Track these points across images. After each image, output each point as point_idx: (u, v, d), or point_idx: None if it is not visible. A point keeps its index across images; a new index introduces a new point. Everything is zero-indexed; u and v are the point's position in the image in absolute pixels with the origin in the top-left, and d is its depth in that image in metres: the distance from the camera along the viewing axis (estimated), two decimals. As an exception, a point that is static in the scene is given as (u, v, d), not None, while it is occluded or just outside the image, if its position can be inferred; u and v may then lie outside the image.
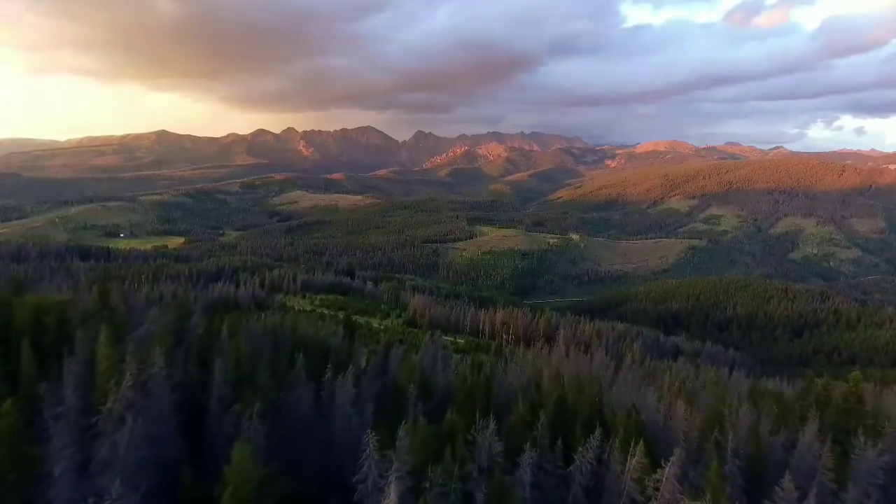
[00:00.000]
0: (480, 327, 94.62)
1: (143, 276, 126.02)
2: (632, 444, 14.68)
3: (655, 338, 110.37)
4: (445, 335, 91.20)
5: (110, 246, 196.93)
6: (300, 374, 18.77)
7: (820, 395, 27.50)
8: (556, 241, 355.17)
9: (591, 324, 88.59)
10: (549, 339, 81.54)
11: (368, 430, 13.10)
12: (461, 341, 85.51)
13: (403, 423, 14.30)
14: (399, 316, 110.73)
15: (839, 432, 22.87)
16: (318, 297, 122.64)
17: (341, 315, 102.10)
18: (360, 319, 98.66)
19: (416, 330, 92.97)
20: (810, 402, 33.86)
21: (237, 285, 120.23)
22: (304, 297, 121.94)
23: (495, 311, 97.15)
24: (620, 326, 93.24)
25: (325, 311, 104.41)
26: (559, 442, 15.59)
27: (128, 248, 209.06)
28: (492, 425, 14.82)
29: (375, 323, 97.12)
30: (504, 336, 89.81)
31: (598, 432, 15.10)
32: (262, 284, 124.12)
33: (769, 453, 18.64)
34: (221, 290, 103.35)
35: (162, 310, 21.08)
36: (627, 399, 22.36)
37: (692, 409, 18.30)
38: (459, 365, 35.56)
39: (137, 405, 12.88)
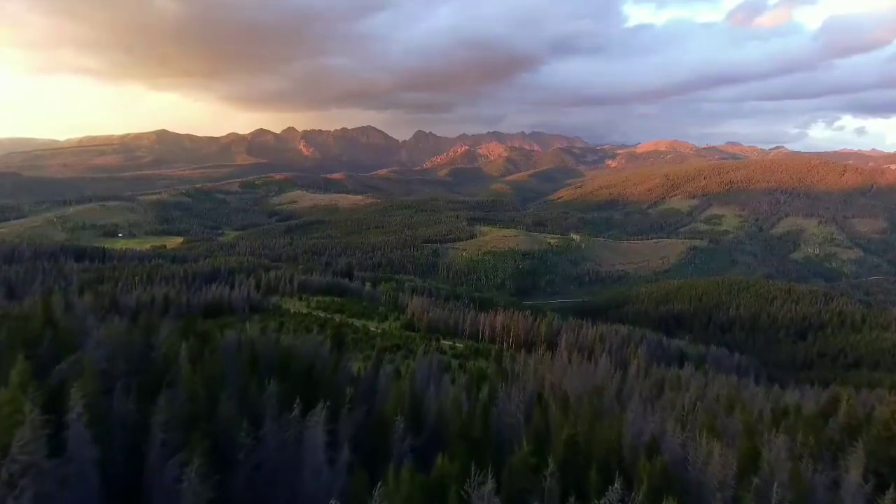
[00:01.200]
0: (480, 330, 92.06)
1: (136, 278, 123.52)
2: (663, 499, 12.20)
3: (658, 341, 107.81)
4: (444, 339, 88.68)
5: (106, 246, 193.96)
6: (270, 404, 16.15)
7: (852, 417, 25.10)
8: (556, 241, 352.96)
9: (594, 328, 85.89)
10: (551, 344, 79.09)
11: (333, 501, 10.56)
12: (460, 345, 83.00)
13: (381, 485, 11.70)
14: (397, 318, 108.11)
15: (880, 463, 20.50)
16: (315, 298, 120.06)
17: (337, 318, 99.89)
18: (357, 322, 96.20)
19: (413, 333, 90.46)
20: (842, 424, 31.36)
21: (232, 287, 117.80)
22: (300, 299, 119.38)
23: (495, 315, 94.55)
24: (623, 330, 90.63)
25: (322, 314, 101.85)
26: (572, 498, 13.05)
27: (124, 248, 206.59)
28: (490, 481, 12.26)
29: (373, 326, 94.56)
30: (504, 341, 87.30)
31: (618, 482, 12.60)
32: (257, 286, 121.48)
33: (814, 498, 16.20)
34: (215, 292, 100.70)
35: (109, 327, 18.32)
36: (643, 426, 19.90)
37: (723, 446, 15.79)
38: (456, 379, 33.00)
39: (39, 467, 10.28)
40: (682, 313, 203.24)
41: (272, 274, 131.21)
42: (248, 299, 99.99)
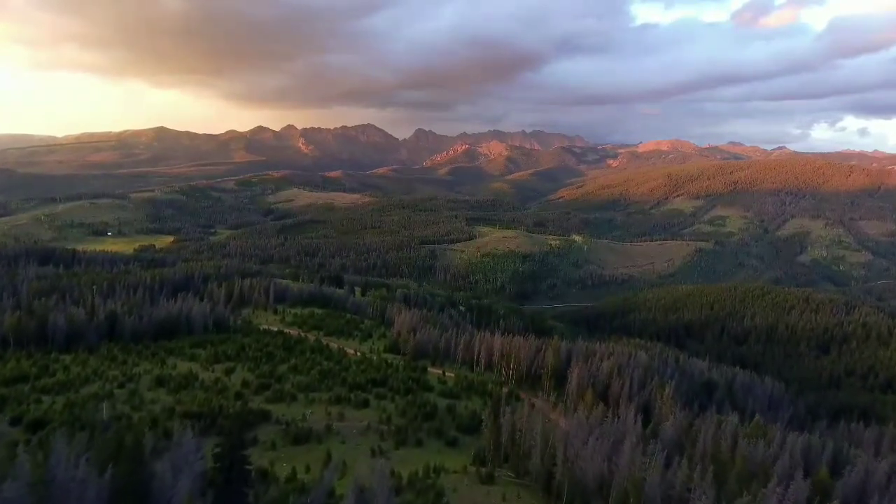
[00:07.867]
0: (476, 356, 79.54)
1: (95, 287, 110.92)
2: None
3: (678, 363, 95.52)
4: (432, 366, 76.30)
5: (77, 248, 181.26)
6: None
7: None
8: (558, 242, 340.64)
9: (609, 357, 73.19)
10: (560, 377, 66.97)
11: None
12: (451, 375, 70.60)
13: None
14: (383, 336, 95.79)
15: None
16: (293, 311, 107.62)
17: (312, 337, 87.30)
18: (334, 343, 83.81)
19: (397, 358, 78.06)
20: None
21: (201, 299, 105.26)
22: (275, 312, 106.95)
23: (493, 337, 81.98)
24: (643, 357, 77.91)
25: (295, 332, 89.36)
26: None
27: (98, 250, 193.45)
28: None
29: (351, 348, 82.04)
30: (504, 371, 74.80)
31: None
32: (228, 297, 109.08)
33: None
34: (173, 307, 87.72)
35: None
36: None
37: None
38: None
39: None
40: (693, 322, 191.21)
41: (247, 283, 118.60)
42: (211, 315, 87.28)
